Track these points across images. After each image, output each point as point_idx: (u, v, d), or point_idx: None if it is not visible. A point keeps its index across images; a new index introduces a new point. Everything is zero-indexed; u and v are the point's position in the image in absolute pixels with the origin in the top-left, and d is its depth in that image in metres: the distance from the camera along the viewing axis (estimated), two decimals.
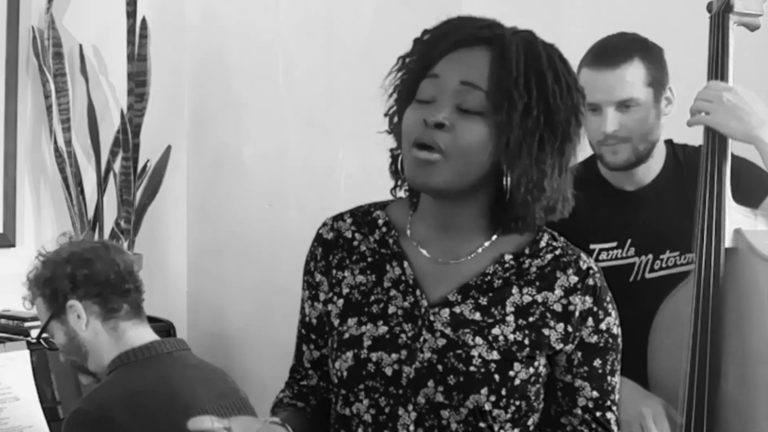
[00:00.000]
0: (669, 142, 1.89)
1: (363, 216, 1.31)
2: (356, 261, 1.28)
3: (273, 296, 2.66)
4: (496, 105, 1.17)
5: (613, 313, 1.26)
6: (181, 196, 2.93)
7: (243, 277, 2.82)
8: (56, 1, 2.53)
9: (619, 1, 2.42)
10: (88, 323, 1.82)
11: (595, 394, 1.26)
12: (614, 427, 1.28)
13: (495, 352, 1.20)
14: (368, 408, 1.23)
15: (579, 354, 1.24)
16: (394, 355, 1.22)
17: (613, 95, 1.77)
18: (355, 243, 1.29)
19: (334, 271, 1.29)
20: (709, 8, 1.79)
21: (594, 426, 1.26)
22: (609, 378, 1.26)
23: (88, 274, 1.82)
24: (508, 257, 1.25)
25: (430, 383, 1.21)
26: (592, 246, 1.80)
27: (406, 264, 1.26)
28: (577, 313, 1.23)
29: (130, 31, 2.59)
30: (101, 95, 2.66)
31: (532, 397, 1.23)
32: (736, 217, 1.69)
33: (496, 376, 1.20)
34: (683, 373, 1.67)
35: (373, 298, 1.26)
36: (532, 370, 1.22)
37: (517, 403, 1.21)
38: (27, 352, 2.14)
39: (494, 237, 1.26)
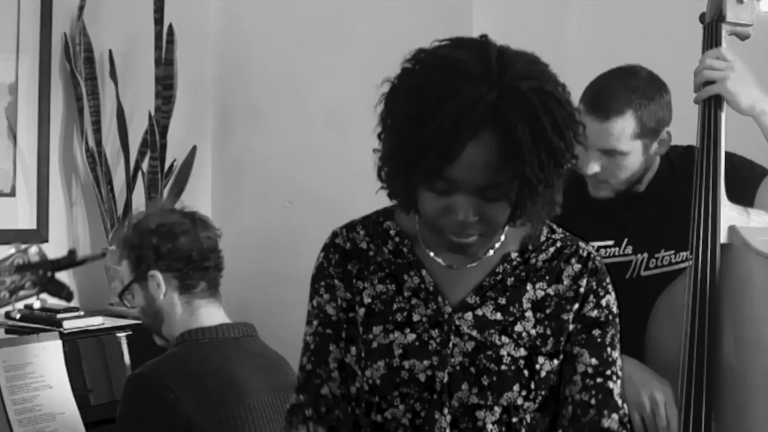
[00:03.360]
0: None
1: (374, 227, 1.31)
2: (374, 271, 1.28)
3: (293, 289, 2.53)
4: (516, 189, 1.14)
5: (613, 294, 1.29)
6: (206, 194, 2.96)
7: (264, 270, 2.83)
8: (87, 9, 2.55)
9: (621, 9, 2.47)
10: (166, 293, 1.86)
11: (594, 361, 1.26)
12: (618, 399, 1.26)
13: (522, 349, 1.23)
14: (405, 413, 1.24)
15: (578, 326, 1.27)
16: (425, 362, 1.23)
17: (597, 143, 1.77)
18: (371, 254, 1.29)
19: (354, 281, 1.28)
20: (701, 19, 1.80)
21: (593, 392, 1.25)
22: (609, 350, 1.27)
23: (172, 248, 1.84)
24: (514, 254, 1.28)
25: (464, 386, 1.22)
26: (590, 243, 1.83)
27: (424, 272, 1.27)
28: (583, 293, 1.27)
29: (158, 36, 2.62)
30: (130, 98, 2.68)
31: (553, 385, 1.26)
32: (730, 214, 1.71)
33: (525, 372, 1.23)
34: (681, 363, 1.68)
35: (395, 306, 1.26)
36: (556, 361, 1.25)
37: (543, 392, 1.25)
38: (59, 343, 2.16)
39: (502, 236, 1.28)
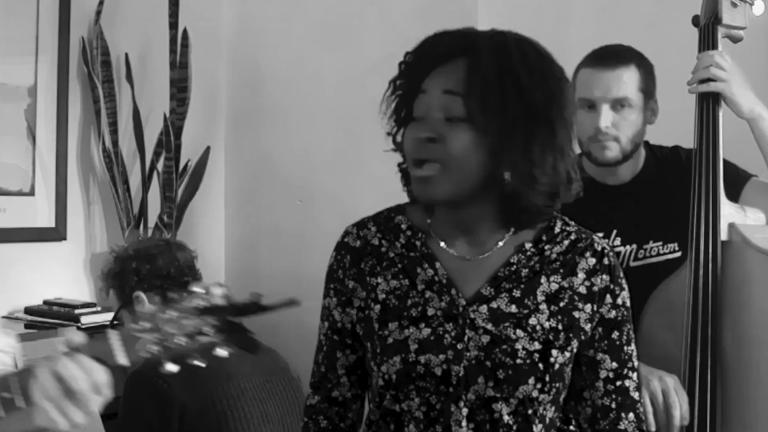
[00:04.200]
0: (646, 144, 1.92)
1: (386, 222, 1.32)
2: (387, 267, 1.29)
3: (303, 286, 2.58)
4: (475, 109, 1.17)
5: (626, 287, 1.31)
6: (219, 193, 3.00)
7: (276, 268, 2.87)
8: (104, 14, 2.60)
9: (620, 13, 2.50)
10: None
11: (614, 365, 1.29)
12: (634, 393, 1.31)
13: (536, 343, 1.24)
14: (419, 405, 1.25)
15: (600, 329, 1.28)
16: (441, 356, 1.23)
17: (609, 93, 1.80)
18: (383, 249, 1.30)
19: (368, 278, 1.29)
20: (694, 22, 1.83)
21: (614, 396, 1.30)
22: (626, 348, 1.30)
23: (151, 268, 1.95)
24: (528, 245, 1.28)
25: (480, 379, 1.23)
26: None
27: (438, 264, 1.27)
28: (597, 292, 1.28)
29: (172, 40, 2.66)
30: (145, 100, 2.72)
31: (566, 378, 1.28)
32: (728, 212, 1.73)
33: (540, 365, 1.23)
34: (683, 358, 1.68)
35: (410, 301, 1.26)
36: (568, 354, 1.26)
37: (557, 385, 1.26)
38: None
39: (511, 231, 1.28)
